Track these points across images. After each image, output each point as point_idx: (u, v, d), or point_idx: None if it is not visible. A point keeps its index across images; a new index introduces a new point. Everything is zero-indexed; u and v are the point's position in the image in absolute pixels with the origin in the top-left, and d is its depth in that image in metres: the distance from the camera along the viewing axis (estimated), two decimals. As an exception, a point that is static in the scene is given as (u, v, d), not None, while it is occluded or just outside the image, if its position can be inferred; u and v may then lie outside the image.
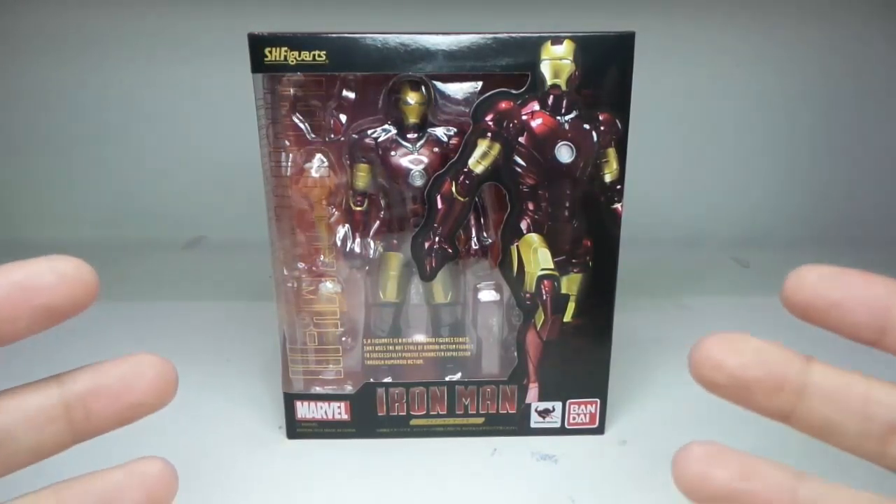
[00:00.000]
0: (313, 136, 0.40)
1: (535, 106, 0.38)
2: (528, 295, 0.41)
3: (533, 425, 0.43)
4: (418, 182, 0.40)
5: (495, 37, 0.36)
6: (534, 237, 0.40)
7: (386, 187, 0.41)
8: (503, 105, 0.38)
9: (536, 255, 0.40)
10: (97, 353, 0.61)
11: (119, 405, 0.19)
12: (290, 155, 0.40)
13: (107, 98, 0.83)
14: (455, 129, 0.40)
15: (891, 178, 0.88)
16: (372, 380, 0.42)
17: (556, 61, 0.37)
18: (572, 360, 0.42)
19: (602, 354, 0.42)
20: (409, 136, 0.40)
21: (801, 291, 0.18)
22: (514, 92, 0.38)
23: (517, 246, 0.40)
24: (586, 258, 0.40)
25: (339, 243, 0.42)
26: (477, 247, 0.42)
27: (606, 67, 0.37)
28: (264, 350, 0.54)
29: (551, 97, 0.38)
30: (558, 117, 0.38)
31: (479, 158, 0.39)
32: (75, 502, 0.18)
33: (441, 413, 0.43)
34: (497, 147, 0.39)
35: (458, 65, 0.37)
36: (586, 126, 0.38)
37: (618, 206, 0.40)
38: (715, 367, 0.19)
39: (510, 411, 0.43)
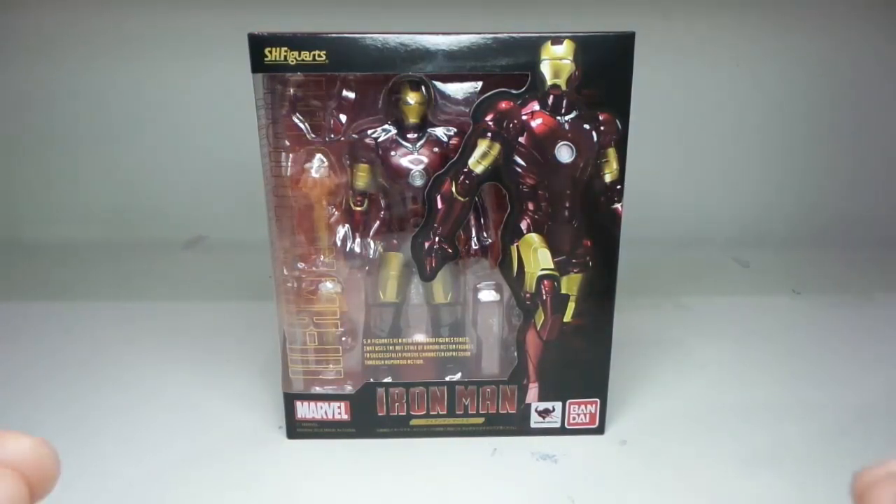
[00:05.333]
0: (313, 136, 0.40)
1: (535, 106, 0.38)
2: (528, 295, 0.41)
3: (533, 425, 0.43)
4: (418, 182, 0.40)
5: (495, 37, 0.36)
6: (534, 237, 0.40)
7: (386, 187, 0.41)
8: (503, 105, 0.38)
9: (536, 255, 0.40)
10: (97, 352, 0.61)
11: None
12: (290, 155, 0.40)
13: (107, 98, 0.83)
14: (455, 129, 0.40)
15: (891, 177, 0.88)
16: (372, 380, 0.42)
17: (556, 61, 0.37)
18: (572, 360, 0.42)
19: (602, 354, 0.42)
20: (409, 136, 0.40)
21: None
22: (514, 92, 0.38)
23: (517, 246, 0.40)
24: (586, 258, 0.40)
25: (339, 243, 0.42)
26: (477, 247, 0.42)
27: (606, 67, 0.37)
28: (264, 350, 0.54)
29: (551, 97, 0.38)
30: (558, 117, 0.38)
31: (479, 158, 0.39)
32: None
33: (441, 413, 0.43)
34: (497, 147, 0.39)
35: (458, 65, 0.37)
36: (586, 126, 0.38)
37: (618, 206, 0.40)
38: None
39: (510, 411, 0.43)
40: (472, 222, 0.42)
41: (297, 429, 0.43)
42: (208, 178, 0.85)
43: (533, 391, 0.43)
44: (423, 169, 0.40)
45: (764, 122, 0.86)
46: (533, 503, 0.38)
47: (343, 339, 0.43)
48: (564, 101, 0.38)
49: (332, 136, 0.40)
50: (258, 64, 0.36)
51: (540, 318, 0.41)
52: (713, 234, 0.84)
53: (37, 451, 0.16)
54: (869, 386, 0.50)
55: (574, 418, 0.43)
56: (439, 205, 0.40)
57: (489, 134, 0.38)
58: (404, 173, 0.40)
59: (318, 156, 0.40)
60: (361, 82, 0.40)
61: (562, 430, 0.43)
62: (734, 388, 0.50)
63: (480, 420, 0.43)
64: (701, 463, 0.41)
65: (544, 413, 0.43)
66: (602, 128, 0.38)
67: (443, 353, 0.43)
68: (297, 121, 0.40)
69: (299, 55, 0.36)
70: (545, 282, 0.40)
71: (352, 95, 0.40)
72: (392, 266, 0.42)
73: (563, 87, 0.37)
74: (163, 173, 0.86)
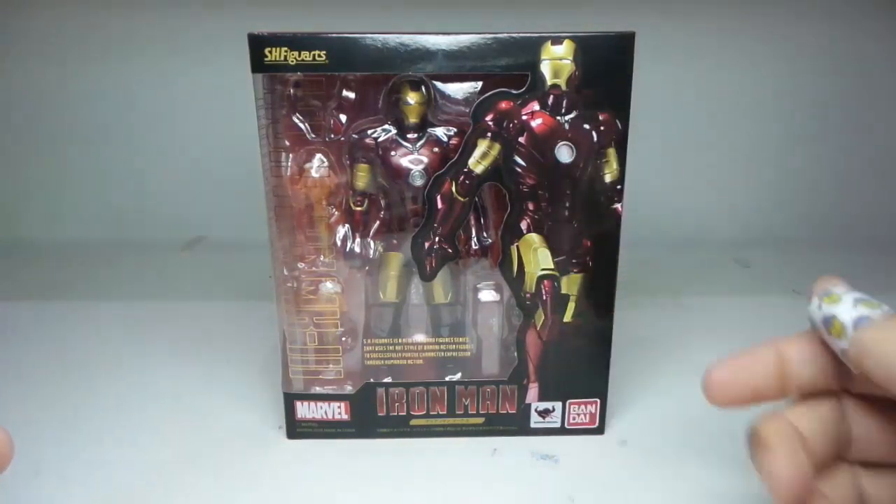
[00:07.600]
0: (313, 136, 0.40)
1: (535, 106, 0.38)
2: (528, 295, 0.41)
3: (533, 425, 0.43)
4: (418, 182, 0.40)
5: (495, 37, 0.36)
6: (534, 237, 0.40)
7: (386, 187, 0.41)
8: (503, 105, 0.38)
9: (536, 255, 0.40)
10: (97, 352, 0.61)
11: None
12: (290, 155, 0.40)
13: (107, 98, 0.83)
14: (455, 129, 0.40)
15: (891, 178, 0.88)
16: (372, 380, 0.42)
17: (556, 61, 0.37)
18: (572, 360, 0.42)
19: (602, 354, 0.42)
20: (409, 136, 0.40)
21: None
22: (514, 92, 0.38)
23: (517, 246, 0.40)
24: (586, 258, 0.40)
25: (339, 243, 0.42)
26: (477, 247, 0.42)
27: (606, 67, 0.37)
28: (264, 350, 0.54)
29: (551, 97, 0.38)
30: (558, 117, 0.38)
31: (479, 158, 0.39)
32: None
33: (441, 413, 0.43)
34: (497, 147, 0.39)
35: (458, 65, 0.37)
36: (586, 126, 0.38)
37: (618, 206, 0.40)
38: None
39: (510, 411, 0.43)
40: (472, 222, 0.42)
41: (297, 429, 0.43)
42: (208, 179, 0.85)
43: (533, 391, 0.43)
44: (423, 169, 0.40)
45: (764, 122, 0.86)
46: (533, 503, 0.38)
47: (343, 339, 0.43)
48: (564, 101, 0.38)
49: (332, 136, 0.40)
50: (258, 64, 0.37)
51: (540, 318, 0.41)
52: (713, 234, 0.84)
53: None
54: (869, 386, 0.50)
55: (574, 418, 0.43)
56: (439, 205, 0.40)
57: (489, 134, 0.38)
58: (404, 173, 0.40)
59: (318, 156, 0.40)
60: (361, 82, 0.40)
61: (562, 430, 0.43)
62: (734, 388, 0.50)
63: (480, 420, 0.43)
64: (701, 463, 0.41)
65: (544, 413, 0.43)
66: (602, 128, 0.38)
67: (443, 353, 0.43)
68: (297, 121, 0.40)
69: (299, 55, 0.36)
70: (545, 282, 0.40)
71: (352, 95, 0.40)
72: (392, 266, 0.42)
73: (563, 87, 0.37)
74: (163, 173, 0.86)
